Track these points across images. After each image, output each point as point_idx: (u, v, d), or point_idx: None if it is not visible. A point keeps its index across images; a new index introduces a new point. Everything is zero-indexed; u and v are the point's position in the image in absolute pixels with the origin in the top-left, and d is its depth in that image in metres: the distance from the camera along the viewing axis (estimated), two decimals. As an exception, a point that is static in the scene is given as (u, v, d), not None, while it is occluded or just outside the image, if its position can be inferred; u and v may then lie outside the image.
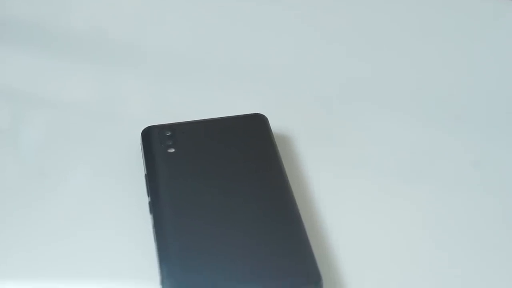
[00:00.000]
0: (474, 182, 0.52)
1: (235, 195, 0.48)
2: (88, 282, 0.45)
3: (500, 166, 0.53)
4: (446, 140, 0.55)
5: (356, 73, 0.61)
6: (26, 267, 0.46)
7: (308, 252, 0.44)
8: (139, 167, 0.51)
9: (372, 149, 0.54)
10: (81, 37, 0.65)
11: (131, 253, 0.46)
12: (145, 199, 0.48)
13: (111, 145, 0.54)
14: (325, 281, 0.43)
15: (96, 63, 0.62)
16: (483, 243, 0.47)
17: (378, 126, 0.56)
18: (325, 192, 0.50)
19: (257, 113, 0.53)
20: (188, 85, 0.60)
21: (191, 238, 0.45)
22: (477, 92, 0.59)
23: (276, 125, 0.53)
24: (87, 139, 0.55)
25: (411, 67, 0.62)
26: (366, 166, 0.53)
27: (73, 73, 0.61)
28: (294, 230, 0.45)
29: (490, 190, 0.51)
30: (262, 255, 0.44)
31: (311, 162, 0.52)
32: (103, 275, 0.46)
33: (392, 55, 0.63)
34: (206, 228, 0.45)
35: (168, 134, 0.52)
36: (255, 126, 0.52)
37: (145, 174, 0.49)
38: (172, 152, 0.50)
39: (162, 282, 0.43)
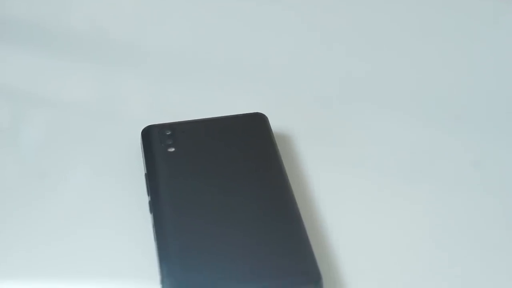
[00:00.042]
0: (474, 181, 0.52)
1: (235, 194, 0.48)
2: (88, 281, 0.45)
3: (500, 166, 0.53)
4: (446, 140, 0.55)
5: (356, 72, 0.61)
6: (26, 266, 0.46)
7: (308, 251, 0.44)
8: (139, 166, 0.51)
9: (372, 148, 0.54)
10: (81, 37, 0.65)
11: (131, 252, 0.46)
12: (145, 199, 0.48)
13: (111, 144, 0.54)
14: (325, 280, 0.43)
15: (96, 63, 0.62)
16: (483, 243, 0.47)
17: (378, 126, 0.56)
18: (325, 191, 0.50)
19: (257, 112, 0.53)
20: (188, 85, 0.60)
21: (191, 237, 0.45)
22: (477, 92, 0.59)
23: (276, 124, 0.53)
24: (87, 138, 0.55)
25: (411, 67, 0.62)
26: (366, 166, 0.53)
27: (73, 73, 0.61)
28: (294, 229, 0.45)
29: (490, 190, 0.51)
30: (262, 254, 0.44)
31: (311, 162, 0.52)
32: (103, 274, 0.46)
33: (392, 55, 0.63)
34: (206, 227, 0.45)
35: (168, 133, 0.52)
36: (255, 125, 0.52)
37: (145, 174, 0.49)
38: (172, 152, 0.50)
39: (162, 281, 0.43)
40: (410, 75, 0.61)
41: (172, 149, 0.51)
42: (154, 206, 0.47)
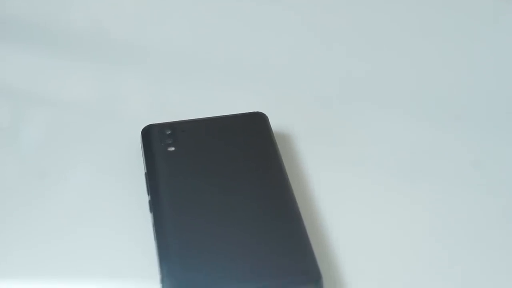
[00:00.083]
0: (474, 181, 0.52)
1: (235, 193, 0.48)
2: (88, 281, 0.45)
3: (500, 166, 0.53)
4: (446, 139, 0.55)
5: (356, 72, 0.61)
6: (26, 265, 0.46)
7: (308, 251, 0.44)
8: (139, 165, 0.51)
9: (372, 147, 0.54)
10: (81, 36, 0.65)
11: (131, 251, 0.46)
12: (145, 198, 0.48)
13: (111, 143, 0.54)
14: (325, 279, 0.43)
15: (96, 62, 0.62)
16: (483, 242, 0.47)
17: (378, 125, 0.56)
18: (325, 190, 0.50)
19: (257, 112, 0.53)
20: (188, 84, 0.60)
21: (191, 236, 0.45)
22: (477, 92, 0.59)
23: (276, 123, 0.53)
24: (87, 138, 0.55)
25: (411, 67, 0.62)
26: (366, 165, 0.53)
27: (73, 72, 0.61)
28: (294, 228, 0.45)
29: (490, 189, 0.51)
30: (262, 253, 0.44)
31: (311, 161, 0.52)
32: (103, 273, 0.46)
33: (392, 55, 0.63)
34: (206, 226, 0.45)
35: (168, 132, 0.52)
36: (255, 124, 0.52)
37: (145, 173, 0.49)
38: (172, 151, 0.50)
39: (162, 280, 0.43)
40: (410, 75, 0.61)
41: (172, 148, 0.51)
42: (154, 206, 0.47)
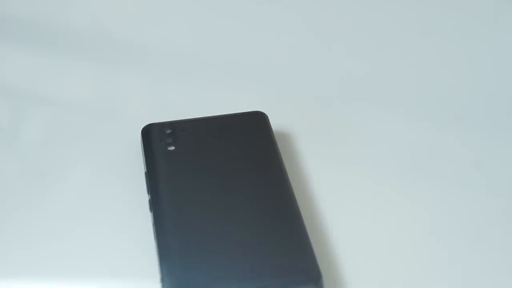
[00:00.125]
0: (474, 181, 0.52)
1: (235, 193, 0.48)
2: (88, 280, 0.45)
3: (500, 165, 0.53)
4: (446, 139, 0.55)
5: (356, 72, 0.61)
6: (26, 265, 0.46)
7: (308, 250, 0.44)
8: (139, 165, 0.51)
9: (372, 147, 0.54)
10: (82, 36, 0.65)
11: (131, 251, 0.46)
12: (145, 197, 0.48)
13: (111, 143, 0.54)
14: (325, 278, 0.43)
15: (97, 61, 0.62)
16: (483, 242, 0.47)
17: (378, 125, 0.56)
18: (325, 189, 0.50)
19: (257, 111, 0.53)
20: (189, 83, 0.60)
21: (191, 236, 0.45)
22: (477, 92, 0.59)
23: (276, 122, 0.53)
24: (87, 137, 0.55)
25: (411, 67, 0.62)
26: (366, 164, 0.53)
27: (73, 71, 0.61)
28: (294, 227, 0.45)
29: (490, 189, 0.51)
30: (262, 252, 0.44)
31: (311, 160, 0.52)
32: (103, 272, 0.46)
33: (392, 55, 0.63)
34: (206, 226, 0.45)
35: (168, 132, 0.52)
36: (255, 123, 0.52)
37: (145, 172, 0.49)
38: (172, 150, 0.50)
39: (162, 280, 0.43)
40: (410, 74, 0.61)
41: (172, 148, 0.51)
42: (154, 205, 0.47)
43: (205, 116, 0.53)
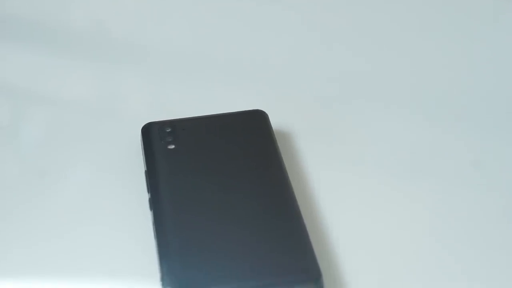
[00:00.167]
0: (475, 180, 0.52)
1: (235, 191, 0.47)
2: (88, 279, 0.45)
3: (500, 165, 0.53)
4: (446, 139, 0.55)
5: (356, 72, 0.61)
6: (26, 264, 0.46)
7: (308, 249, 0.44)
8: (139, 163, 0.51)
9: (373, 147, 0.54)
10: (82, 35, 0.65)
11: (131, 249, 0.46)
12: (145, 196, 0.48)
13: (111, 141, 0.54)
14: (325, 277, 0.43)
15: (97, 60, 0.62)
16: (483, 241, 0.47)
17: (378, 124, 0.56)
18: (326, 188, 0.50)
19: (257, 110, 0.53)
20: (189, 82, 0.60)
21: (191, 234, 0.45)
22: (477, 92, 0.59)
23: (276, 121, 0.53)
24: (87, 136, 0.55)
25: (411, 66, 0.62)
26: (366, 164, 0.53)
27: (73, 70, 0.61)
28: (294, 226, 0.45)
29: (491, 189, 0.51)
30: (262, 251, 0.44)
31: (311, 159, 0.52)
32: (103, 271, 0.46)
33: (392, 54, 0.63)
34: (206, 224, 0.45)
35: (168, 130, 0.52)
36: (255, 122, 0.52)
37: (145, 171, 0.49)
38: (172, 149, 0.50)
39: (162, 278, 0.43)
40: (410, 74, 0.61)
41: (172, 146, 0.51)
42: (154, 204, 0.47)
43: (205, 114, 0.53)
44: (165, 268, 0.43)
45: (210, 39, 0.64)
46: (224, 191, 0.47)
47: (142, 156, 0.51)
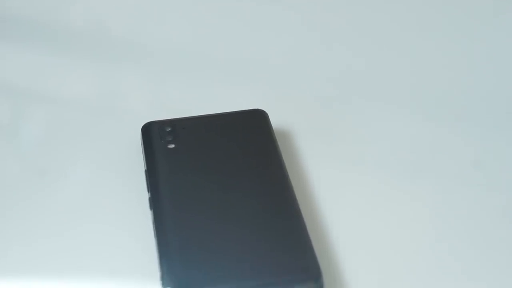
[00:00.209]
0: (475, 180, 0.52)
1: (235, 190, 0.47)
2: (87, 277, 0.45)
3: (500, 165, 0.53)
4: (446, 139, 0.55)
5: (356, 71, 0.61)
6: (26, 262, 0.46)
7: (308, 248, 0.44)
8: (139, 162, 0.51)
9: (373, 146, 0.54)
10: (82, 33, 0.65)
11: (131, 248, 0.46)
12: (145, 195, 0.48)
13: (111, 140, 0.54)
14: (325, 276, 0.43)
15: (97, 59, 0.62)
16: (484, 240, 0.47)
17: (378, 123, 0.56)
18: (326, 187, 0.50)
19: (257, 109, 0.53)
20: (189, 81, 0.60)
21: (191, 234, 0.45)
22: (477, 92, 0.59)
23: (276, 120, 0.53)
24: (87, 135, 0.55)
25: (411, 66, 0.62)
26: (366, 163, 0.53)
27: (73, 69, 0.61)
28: (294, 225, 0.45)
29: (491, 188, 0.51)
30: (262, 250, 0.44)
31: (311, 158, 0.52)
32: (103, 270, 0.46)
33: (392, 54, 0.63)
34: (206, 223, 0.45)
35: (168, 129, 0.52)
36: (255, 121, 0.52)
37: (145, 170, 0.49)
38: (172, 148, 0.50)
39: (162, 277, 0.43)
40: (410, 74, 0.61)
41: (172, 146, 0.51)
42: (154, 203, 0.47)
43: (205, 114, 0.53)
44: (165, 267, 0.43)
45: (210, 39, 0.64)
46: (224, 190, 0.47)
47: (142, 155, 0.51)
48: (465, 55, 0.63)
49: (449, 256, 0.46)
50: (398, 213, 0.49)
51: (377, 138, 0.55)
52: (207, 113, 0.53)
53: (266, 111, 0.53)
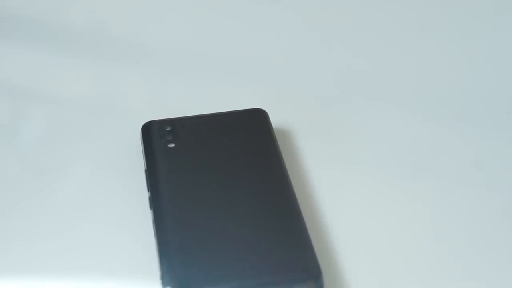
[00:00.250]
0: (475, 180, 0.52)
1: (235, 190, 0.47)
2: (87, 277, 0.45)
3: (500, 165, 0.53)
4: (447, 138, 0.55)
5: (356, 71, 0.61)
6: (26, 262, 0.46)
7: (308, 247, 0.44)
8: (139, 162, 0.51)
9: (373, 146, 0.54)
10: (82, 33, 0.65)
11: (131, 248, 0.46)
12: (145, 194, 0.48)
13: (111, 140, 0.54)
14: (325, 275, 0.43)
15: (97, 59, 0.62)
16: (484, 240, 0.47)
17: (378, 123, 0.56)
18: (326, 187, 0.50)
19: (257, 108, 0.53)
20: (189, 81, 0.60)
21: (191, 233, 0.45)
22: (477, 92, 0.59)
23: (276, 120, 0.53)
24: (87, 134, 0.55)
25: (411, 66, 0.62)
26: (366, 162, 0.53)
27: (73, 69, 0.61)
28: (294, 225, 0.45)
29: (491, 188, 0.51)
30: (262, 250, 0.44)
31: (311, 157, 0.52)
32: (103, 270, 0.46)
33: (392, 54, 0.63)
34: (206, 223, 0.45)
35: (168, 129, 0.52)
36: (255, 121, 0.52)
37: (145, 169, 0.49)
38: (172, 147, 0.50)
39: (162, 277, 0.43)
40: (410, 74, 0.61)
41: (172, 145, 0.51)
42: (154, 202, 0.47)
43: (205, 113, 0.53)
44: (165, 266, 0.43)
45: (210, 38, 0.64)
46: (224, 189, 0.47)
47: (142, 155, 0.51)
48: (465, 55, 0.63)
49: (449, 256, 0.46)
50: (398, 213, 0.49)
51: (377, 138, 0.55)
52: (207, 113, 0.53)
53: (266, 111, 0.53)
